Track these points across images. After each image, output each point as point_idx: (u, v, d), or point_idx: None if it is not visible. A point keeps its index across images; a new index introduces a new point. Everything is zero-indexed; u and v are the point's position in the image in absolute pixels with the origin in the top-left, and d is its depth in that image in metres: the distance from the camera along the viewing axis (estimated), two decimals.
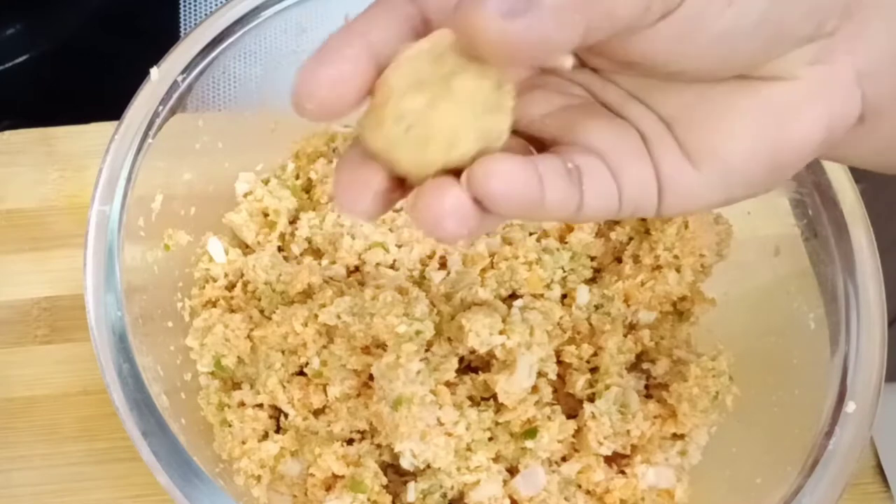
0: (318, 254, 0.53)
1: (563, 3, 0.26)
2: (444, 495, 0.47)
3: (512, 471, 0.48)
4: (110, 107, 0.49)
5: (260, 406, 0.49)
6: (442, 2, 0.30)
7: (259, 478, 0.47)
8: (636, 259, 0.51)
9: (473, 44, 0.27)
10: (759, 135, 0.31)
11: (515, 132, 0.32)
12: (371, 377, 0.48)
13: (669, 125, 0.32)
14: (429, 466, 0.46)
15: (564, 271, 0.51)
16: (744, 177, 0.32)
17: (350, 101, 0.29)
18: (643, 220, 0.52)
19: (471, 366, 0.50)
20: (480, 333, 0.47)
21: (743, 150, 0.31)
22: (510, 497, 0.47)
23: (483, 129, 0.28)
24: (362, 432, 0.49)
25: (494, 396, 0.47)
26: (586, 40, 0.27)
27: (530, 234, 0.52)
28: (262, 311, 0.50)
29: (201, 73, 0.48)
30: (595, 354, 0.50)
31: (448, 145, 0.28)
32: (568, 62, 0.27)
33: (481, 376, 0.48)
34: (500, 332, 0.47)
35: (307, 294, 0.50)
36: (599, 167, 0.31)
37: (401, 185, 0.30)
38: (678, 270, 0.50)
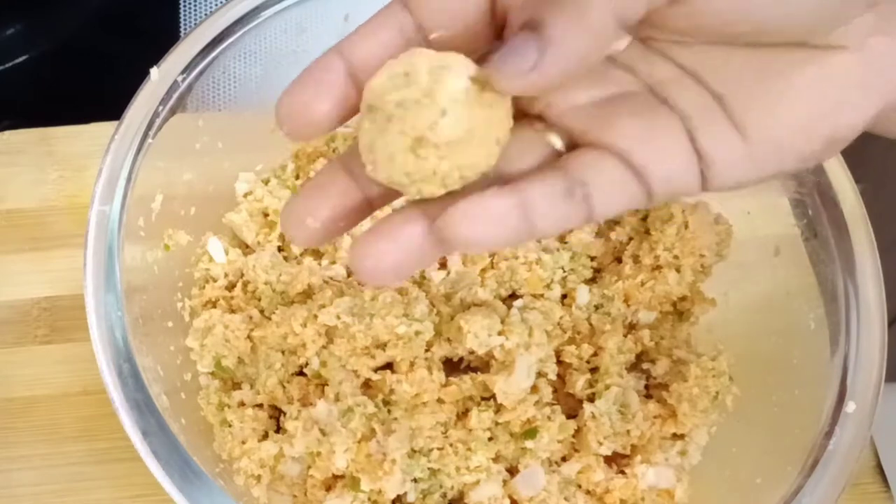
0: (318, 254, 0.53)
1: (566, 31, 0.27)
2: (444, 495, 0.47)
3: (512, 471, 0.48)
4: (110, 107, 0.49)
5: (260, 406, 0.49)
6: (435, 10, 0.31)
7: (259, 478, 0.47)
8: (636, 259, 0.51)
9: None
10: (816, 111, 0.31)
11: (545, 123, 0.32)
12: (370, 378, 0.48)
13: (721, 98, 0.32)
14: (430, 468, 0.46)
15: (564, 271, 0.51)
16: (796, 150, 0.32)
17: (322, 125, 0.31)
18: (643, 219, 0.52)
19: (470, 366, 0.50)
20: (479, 335, 0.47)
21: (798, 125, 0.31)
22: (510, 497, 0.47)
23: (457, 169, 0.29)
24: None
25: (494, 396, 0.47)
26: (627, 24, 0.28)
27: None
28: (262, 312, 0.50)
29: (201, 73, 0.48)
30: (595, 354, 0.50)
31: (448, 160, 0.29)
32: (622, 44, 0.28)
33: (480, 377, 0.48)
34: (499, 333, 0.47)
35: (307, 294, 0.50)
36: (614, 172, 0.31)
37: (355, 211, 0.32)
38: (678, 270, 0.50)
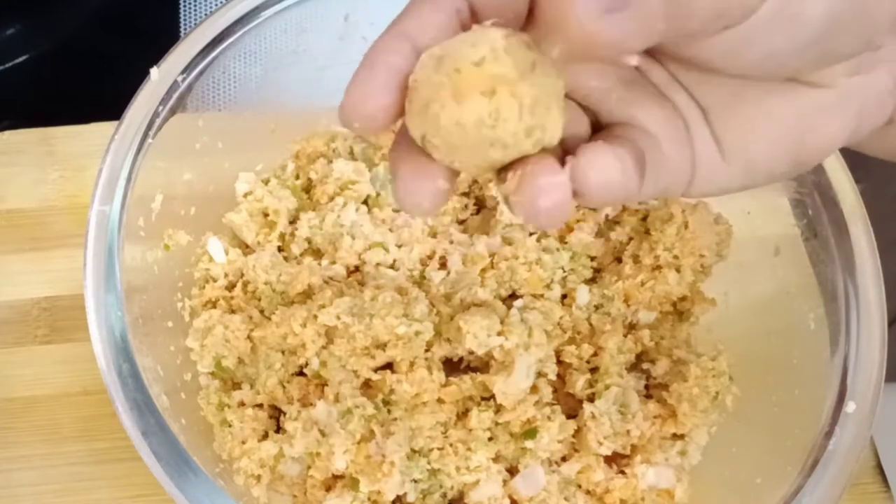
0: (318, 254, 0.53)
1: (652, 8, 0.26)
2: (444, 495, 0.47)
3: (512, 471, 0.48)
4: (110, 107, 0.49)
5: (260, 406, 0.49)
6: None
7: (259, 478, 0.47)
8: (636, 259, 0.51)
9: (559, 34, 0.26)
10: (788, 137, 0.32)
11: (574, 102, 0.32)
12: (370, 378, 0.48)
13: (706, 113, 0.32)
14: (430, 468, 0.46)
15: (564, 271, 0.51)
16: (766, 170, 0.33)
17: (396, 114, 0.28)
18: (643, 219, 0.52)
19: (470, 366, 0.50)
20: (478, 335, 0.47)
21: (770, 149, 0.32)
22: (510, 497, 0.47)
23: (540, 125, 0.28)
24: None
25: (494, 396, 0.47)
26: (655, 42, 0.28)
27: (530, 234, 0.52)
28: (262, 312, 0.50)
29: (201, 73, 0.48)
30: (595, 354, 0.50)
31: (508, 143, 0.27)
32: (633, 60, 0.27)
33: (480, 377, 0.48)
34: (499, 333, 0.47)
35: (307, 294, 0.50)
36: (657, 151, 0.31)
37: (456, 176, 0.30)
38: (678, 270, 0.50)
